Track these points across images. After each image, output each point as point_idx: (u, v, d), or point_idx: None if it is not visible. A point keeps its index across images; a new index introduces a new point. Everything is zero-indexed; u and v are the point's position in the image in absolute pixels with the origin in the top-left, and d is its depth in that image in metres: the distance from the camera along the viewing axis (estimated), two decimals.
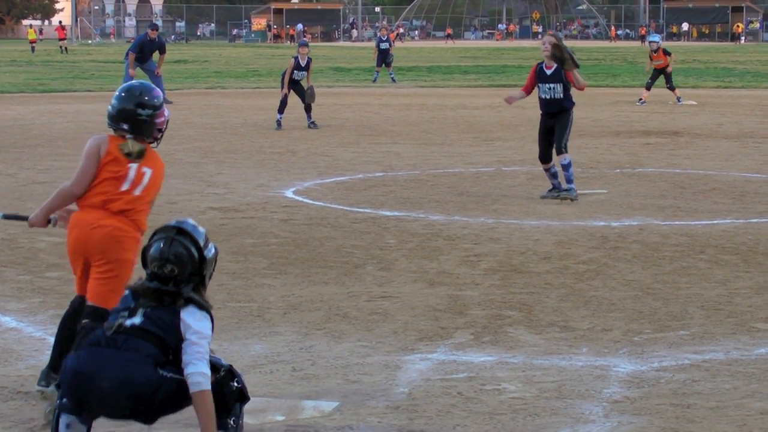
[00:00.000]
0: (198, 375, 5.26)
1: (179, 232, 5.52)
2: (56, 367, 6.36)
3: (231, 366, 5.57)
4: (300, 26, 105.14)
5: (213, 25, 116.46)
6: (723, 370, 7.23)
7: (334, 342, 7.82)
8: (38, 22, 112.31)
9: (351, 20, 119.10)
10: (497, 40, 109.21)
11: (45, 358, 6.99)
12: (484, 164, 17.79)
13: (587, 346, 7.73)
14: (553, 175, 14.24)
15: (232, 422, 5.50)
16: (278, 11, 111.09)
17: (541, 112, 14.28)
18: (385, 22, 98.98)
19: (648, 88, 30.30)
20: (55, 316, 7.88)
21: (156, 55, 28.66)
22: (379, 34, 46.06)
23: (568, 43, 14.73)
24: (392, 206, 13.56)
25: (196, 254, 5.50)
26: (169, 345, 5.33)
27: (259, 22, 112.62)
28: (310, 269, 10.12)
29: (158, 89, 6.86)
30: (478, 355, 7.53)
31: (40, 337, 7.92)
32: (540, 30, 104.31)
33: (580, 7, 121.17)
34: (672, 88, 30.32)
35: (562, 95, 14.00)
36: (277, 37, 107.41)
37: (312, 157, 18.65)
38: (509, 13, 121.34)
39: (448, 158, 18.60)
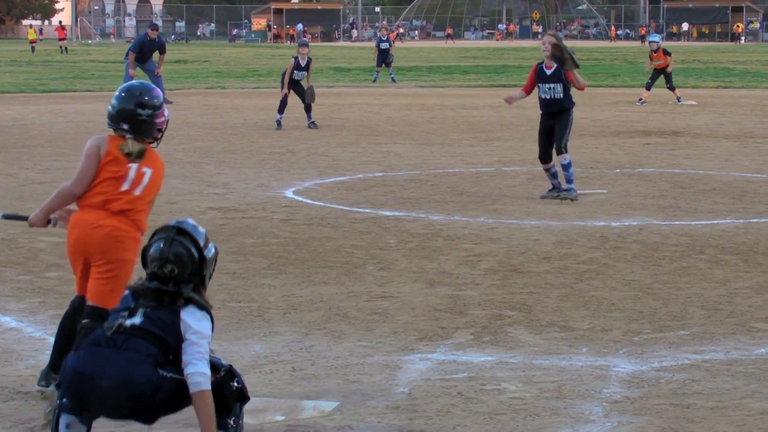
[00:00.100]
0: (198, 375, 5.26)
1: (179, 232, 5.52)
2: (56, 367, 6.36)
3: (231, 366, 5.57)
4: (300, 26, 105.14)
5: (213, 25, 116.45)
6: (723, 370, 7.23)
7: (334, 342, 7.82)
8: (38, 22, 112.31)
9: (351, 20, 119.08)
10: (497, 40, 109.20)
11: (45, 358, 6.99)
12: (484, 164, 17.79)
13: (587, 346, 7.73)
14: (553, 175, 14.24)
15: (232, 422, 5.50)
16: (278, 11, 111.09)
17: (541, 112, 14.28)
18: (385, 22, 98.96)
19: (648, 88, 30.29)
20: (55, 316, 7.88)
21: (156, 55, 28.65)
22: (379, 34, 46.04)
23: (568, 43, 14.73)
24: (392, 206, 13.55)
25: (196, 254, 5.50)
26: (169, 345, 5.33)
27: (259, 22, 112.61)
28: (310, 269, 10.12)
29: (158, 89, 6.85)
30: (478, 355, 7.53)
31: (40, 337, 7.92)
32: (540, 30, 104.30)
33: (580, 7, 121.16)
34: (672, 88, 30.31)
35: (562, 95, 14.00)
36: (277, 37, 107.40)
37: (312, 157, 18.65)
38: (509, 13, 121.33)
39: (448, 158, 18.60)
